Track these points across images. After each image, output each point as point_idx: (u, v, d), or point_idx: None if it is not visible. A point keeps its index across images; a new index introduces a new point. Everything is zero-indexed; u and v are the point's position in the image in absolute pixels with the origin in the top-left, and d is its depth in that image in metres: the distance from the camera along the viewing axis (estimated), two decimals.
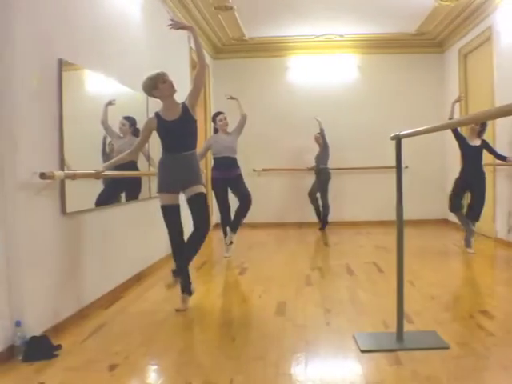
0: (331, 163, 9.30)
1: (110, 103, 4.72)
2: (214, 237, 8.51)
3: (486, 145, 6.57)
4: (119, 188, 5.14)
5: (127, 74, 5.19)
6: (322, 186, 9.14)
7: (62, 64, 3.79)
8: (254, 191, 9.20)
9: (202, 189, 4.26)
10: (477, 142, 6.52)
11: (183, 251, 4.23)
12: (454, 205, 6.68)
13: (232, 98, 7.08)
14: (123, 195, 5.26)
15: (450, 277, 5.59)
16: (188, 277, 4.31)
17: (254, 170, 9.77)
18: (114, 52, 4.94)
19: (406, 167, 9.00)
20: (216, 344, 3.36)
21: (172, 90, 4.22)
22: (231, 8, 7.59)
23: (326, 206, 9.20)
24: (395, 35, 9.44)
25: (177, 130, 4.18)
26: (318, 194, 9.19)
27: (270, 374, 2.84)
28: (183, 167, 4.21)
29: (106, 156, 4.69)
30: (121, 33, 5.19)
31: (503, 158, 6.66)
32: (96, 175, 4.21)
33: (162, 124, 4.22)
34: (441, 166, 9.59)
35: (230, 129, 6.90)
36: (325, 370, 2.92)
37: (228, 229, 6.91)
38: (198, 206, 4.20)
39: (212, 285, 5.27)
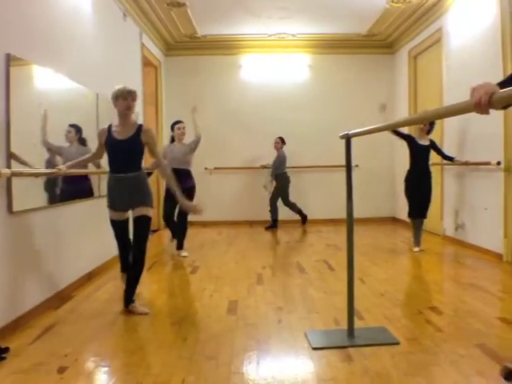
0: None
1: (45, 117, 4.40)
2: (165, 236, 8.45)
3: (433, 145, 6.72)
4: (73, 187, 5.09)
5: (77, 70, 5.09)
6: (281, 191, 9.19)
7: (9, 59, 3.68)
8: (206, 189, 9.23)
9: (146, 211, 4.18)
10: (426, 142, 6.65)
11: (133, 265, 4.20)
12: (416, 212, 6.72)
13: (193, 111, 6.89)
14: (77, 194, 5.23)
15: (399, 274, 5.70)
16: (135, 288, 4.22)
17: (205, 169, 9.74)
18: (64, 48, 4.83)
19: (356, 166, 9.13)
20: (167, 344, 3.33)
21: (126, 111, 4.11)
22: (184, 4, 7.53)
23: (292, 207, 9.31)
24: (347, 36, 9.55)
25: (122, 150, 4.11)
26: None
27: (222, 374, 2.83)
28: (128, 189, 4.13)
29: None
30: (71, 28, 5.07)
31: (450, 159, 6.85)
32: (56, 173, 4.25)
33: (110, 140, 4.14)
34: (390, 164, 9.77)
35: (186, 140, 6.78)
36: (277, 368, 2.93)
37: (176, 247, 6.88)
38: (139, 229, 4.16)
39: (163, 284, 5.23)
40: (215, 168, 9.91)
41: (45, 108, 4.33)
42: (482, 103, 1.80)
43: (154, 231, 8.70)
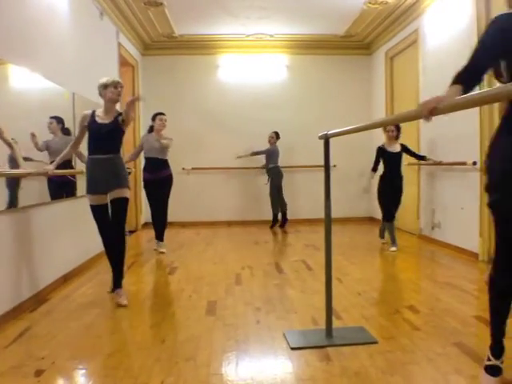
0: (262, 161, 9.41)
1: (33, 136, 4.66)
2: (143, 236, 8.42)
3: (405, 149, 6.96)
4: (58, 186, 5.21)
5: (54, 70, 5.04)
6: (275, 185, 9.21)
7: None
8: (184, 190, 9.23)
9: (124, 193, 4.46)
10: (397, 148, 6.87)
11: (114, 246, 4.48)
12: (390, 215, 6.91)
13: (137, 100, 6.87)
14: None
15: (377, 273, 5.73)
16: (122, 271, 4.53)
17: (183, 169, 9.70)
18: (40, 47, 4.78)
19: (334, 166, 9.15)
20: (145, 346, 3.30)
21: (116, 97, 4.43)
22: (161, 4, 7.50)
23: (282, 204, 9.31)
24: (324, 36, 9.58)
25: (104, 132, 4.38)
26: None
27: (201, 375, 2.82)
28: (106, 170, 4.40)
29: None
30: (48, 27, 5.02)
31: (422, 158, 7.06)
32: (46, 174, 4.56)
33: (92, 123, 4.43)
34: (368, 164, 9.71)
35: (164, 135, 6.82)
36: (256, 369, 2.93)
37: (155, 240, 7.04)
38: (117, 210, 4.44)
39: (141, 285, 5.19)
40: (193, 168, 9.87)
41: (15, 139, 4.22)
42: (429, 109, 2.10)
43: (132, 232, 8.65)
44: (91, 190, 4.44)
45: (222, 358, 3.07)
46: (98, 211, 4.46)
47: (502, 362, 2.58)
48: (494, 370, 2.57)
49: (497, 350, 2.58)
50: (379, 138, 7.14)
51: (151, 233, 7.48)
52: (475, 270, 5.59)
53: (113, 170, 4.41)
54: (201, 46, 9.71)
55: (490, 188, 2.47)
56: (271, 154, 9.18)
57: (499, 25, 2.38)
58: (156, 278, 5.55)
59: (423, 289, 4.88)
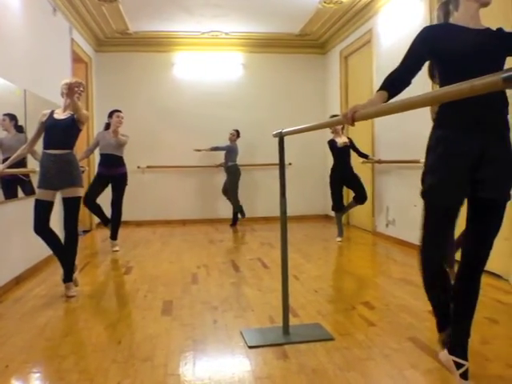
0: (217, 160, 9.38)
1: None
2: (98, 236, 8.29)
3: (352, 144, 7.31)
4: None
5: (4, 66, 4.90)
6: (231, 183, 9.18)
7: None
8: (139, 188, 9.13)
9: (76, 192, 4.50)
10: (345, 141, 7.20)
11: (49, 243, 4.55)
12: (337, 206, 7.32)
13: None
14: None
15: (332, 270, 5.79)
16: (72, 268, 4.61)
17: (138, 167, 9.59)
18: None
19: (290, 164, 9.21)
20: (101, 348, 3.25)
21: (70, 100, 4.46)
22: (115, 0, 7.39)
23: (234, 202, 9.26)
24: (279, 35, 9.61)
25: (59, 127, 4.44)
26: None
27: (158, 376, 2.78)
28: (59, 166, 4.42)
29: None
30: None
31: (365, 156, 7.46)
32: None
33: (50, 119, 4.54)
34: (323, 162, 9.88)
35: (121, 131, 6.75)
36: (213, 368, 2.91)
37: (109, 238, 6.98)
38: (70, 209, 4.51)
39: (96, 286, 5.10)
40: (148, 167, 9.77)
41: None
42: (349, 117, 2.39)
43: (86, 231, 8.51)
44: (43, 184, 4.45)
45: (180, 358, 3.05)
46: (41, 206, 4.44)
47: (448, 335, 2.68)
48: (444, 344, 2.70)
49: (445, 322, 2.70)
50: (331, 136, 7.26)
51: (105, 232, 7.38)
52: None
53: (66, 168, 4.43)
54: (156, 43, 9.61)
55: (423, 178, 2.61)
56: (230, 152, 9.16)
57: (424, 35, 2.57)
58: (111, 278, 5.46)
59: (378, 285, 4.95)
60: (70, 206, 4.48)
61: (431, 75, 3.28)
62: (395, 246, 6.87)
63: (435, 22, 2.70)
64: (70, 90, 4.36)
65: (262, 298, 4.43)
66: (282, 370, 2.87)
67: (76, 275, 4.73)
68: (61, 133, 4.46)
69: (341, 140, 7.17)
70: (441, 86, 2.49)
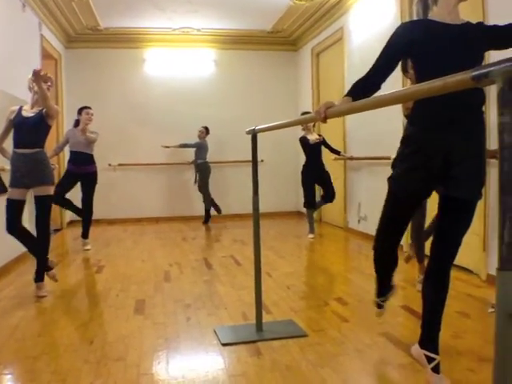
0: (189, 157, 9.34)
1: None
2: (69, 234, 8.20)
3: (323, 141, 7.34)
4: None
5: None
6: (201, 180, 9.14)
7: None
8: (110, 186, 9.04)
9: (47, 190, 4.45)
10: (316, 138, 7.25)
11: (24, 242, 4.54)
12: (310, 203, 7.35)
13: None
14: None
15: (305, 266, 5.82)
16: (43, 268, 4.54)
17: (109, 165, 9.49)
18: None
19: (262, 161, 9.22)
20: (73, 348, 3.21)
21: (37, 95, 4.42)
22: None
23: (206, 200, 9.24)
24: (251, 32, 9.60)
25: (27, 125, 4.37)
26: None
27: (130, 375, 2.76)
28: (30, 165, 4.37)
29: None
30: None
31: (337, 153, 7.48)
32: None
33: (18, 117, 4.46)
34: (295, 159, 9.90)
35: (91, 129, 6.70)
36: (187, 367, 2.90)
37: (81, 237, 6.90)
38: (41, 208, 4.46)
39: (67, 285, 5.03)
40: (119, 164, 9.68)
41: None
42: (321, 113, 2.40)
43: (57, 230, 8.40)
44: (14, 182, 4.39)
45: (153, 357, 3.03)
46: (12, 205, 4.39)
47: (384, 301, 3.11)
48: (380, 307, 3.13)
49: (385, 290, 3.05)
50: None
51: (77, 231, 7.29)
52: (400, 260, 5.72)
53: (37, 166, 4.38)
54: (126, 40, 9.52)
55: (394, 163, 2.69)
56: (200, 149, 9.13)
57: (400, 32, 2.55)
58: (83, 278, 5.41)
59: (351, 281, 4.98)
60: (42, 205, 4.43)
61: (404, 69, 3.33)
62: (367, 241, 6.91)
63: (414, 16, 2.68)
64: (36, 77, 4.20)
65: (235, 295, 4.43)
66: (255, 367, 2.87)
67: (55, 271, 4.71)
68: (30, 131, 4.38)
69: (313, 137, 7.20)
70: (416, 83, 2.48)
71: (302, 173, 7.39)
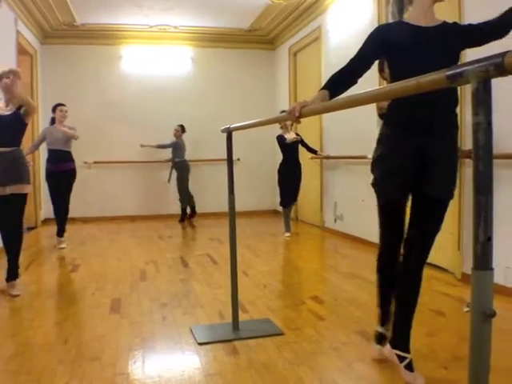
0: (165, 155, 9.30)
1: None
2: (44, 233, 8.10)
3: (301, 140, 7.33)
4: None
5: None
6: (180, 179, 9.13)
7: None
8: (86, 184, 8.94)
9: (23, 189, 4.40)
10: (294, 137, 7.23)
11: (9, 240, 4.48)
12: (286, 202, 7.35)
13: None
14: None
15: (281, 265, 5.83)
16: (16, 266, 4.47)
17: (85, 163, 9.40)
18: None
19: (238, 159, 9.21)
20: (47, 348, 3.17)
21: (10, 87, 4.31)
22: None
23: (190, 198, 9.24)
24: (229, 30, 9.59)
25: (4, 125, 4.30)
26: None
27: (106, 375, 2.74)
28: (5, 164, 4.30)
29: None
30: None
31: (314, 152, 7.51)
32: None
33: None
34: (271, 158, 9.91)
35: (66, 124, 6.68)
36: (163, 366, 2.88)
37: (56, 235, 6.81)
38: (16, 206, 4.41)
39: (42, 284, 4.98)
40: (95, 162, 9.59)
41: None
42: (295, 113, 2.33)
43: (32, 228, 8.30)
44: None
45: (128, 356, 3.00)
46: None
47: (387, 330, 2.80)
48: (381, 340, 2.84)
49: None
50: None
51: (52, 229, 7.22)
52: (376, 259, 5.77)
53: (13, 165, 4.35)
54: (103, 36, 9.43)
55: (372, 168, 2.73)
56: (177, 148, 9.10)
57: (375, 35, 2.58)
58: (57, 276, 5.35)
59: (327, 279, 5.00)
60: (16, 203, 4.39)
61: (380, 69, 3.36)
62: (343, 240, 6.96)
63: (390, 18, 2.68)
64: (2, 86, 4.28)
65: (212, 294, 4.42)
66: (232, 366, 2.87)
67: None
68: (6, 130, 4.33)
69: (290, 136, 7.19)
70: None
71: (279, 171, 7.40)
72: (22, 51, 7.82)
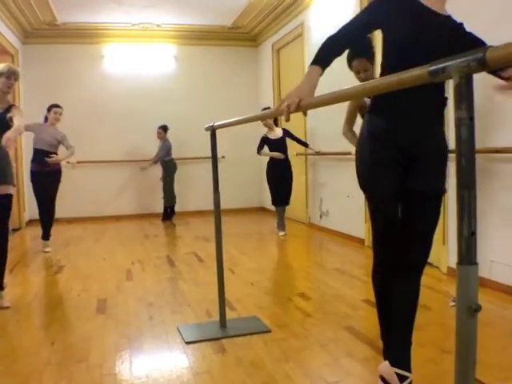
0: (151, 153, 9.27)
1: None
2: (28, 234, 8.04)
3: (288, 134, 7.17)
4: None
5: None
6: (166, 177, 9.12)
7: None
8: (69, 184, 8.85)
9: (7, 189, 4.22)
10: (279, 134, 7.11)
11: None
12: (278, 200, 7.19)
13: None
14: None
15: (268, 262, 5.82)
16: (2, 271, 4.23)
17: (68, 163, 9.30)
18: None
19: (223, 157, 9.21)
20: (33, 350, 3.15)
21: (7, 89, 4.25)
22: None
23: (166, 197, 9.20)
24: (212, 27, 9.56)
25: None
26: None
27: (94, 376, 2.72)
28: None
29: None
30: None
31: (305, 145, 7.34)
32: None
33: None
34: (256, 155, 9.88)
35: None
36: (151, 366, 2.87)
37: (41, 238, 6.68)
38: (0, 208, 4.20)
39: (27, 286, 4.94)
40: (78, 162, 9.50)
41: None
42: (292, 109, 2.09)
43: (16, 230, 8.23)
44: None
45: (115, 357, 2.99)
46: None
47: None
48: None
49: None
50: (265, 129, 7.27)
51: (36, 231, 7.16)
52: (362, 255, 5.82)
53: None
54: (84, 35, 9.35)
55: (357, 170, 2.59)
56: (164, 149, 9.06)
57: (379, 3, 2.32)
58: (42, 278, 5.29)
59: (314, 276, 5.02)
60: (1, 205, 4.22)
61: (350, 63, 3.25)
62: (329, 236, 6.98)
63: None
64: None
65: (199, 292, 4.41)
66: (220, 364, 2.87)
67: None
68: None
69: (274, 133, 7.13)
70: (382, 70, 2.35)
71: (266, 172, 7.32)
72: (3, 51, 7.75)
